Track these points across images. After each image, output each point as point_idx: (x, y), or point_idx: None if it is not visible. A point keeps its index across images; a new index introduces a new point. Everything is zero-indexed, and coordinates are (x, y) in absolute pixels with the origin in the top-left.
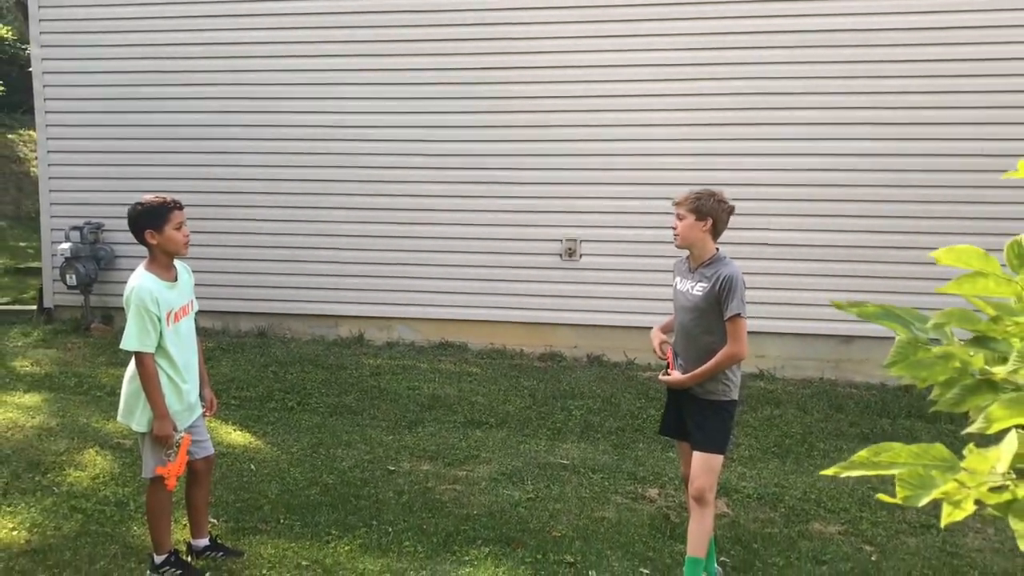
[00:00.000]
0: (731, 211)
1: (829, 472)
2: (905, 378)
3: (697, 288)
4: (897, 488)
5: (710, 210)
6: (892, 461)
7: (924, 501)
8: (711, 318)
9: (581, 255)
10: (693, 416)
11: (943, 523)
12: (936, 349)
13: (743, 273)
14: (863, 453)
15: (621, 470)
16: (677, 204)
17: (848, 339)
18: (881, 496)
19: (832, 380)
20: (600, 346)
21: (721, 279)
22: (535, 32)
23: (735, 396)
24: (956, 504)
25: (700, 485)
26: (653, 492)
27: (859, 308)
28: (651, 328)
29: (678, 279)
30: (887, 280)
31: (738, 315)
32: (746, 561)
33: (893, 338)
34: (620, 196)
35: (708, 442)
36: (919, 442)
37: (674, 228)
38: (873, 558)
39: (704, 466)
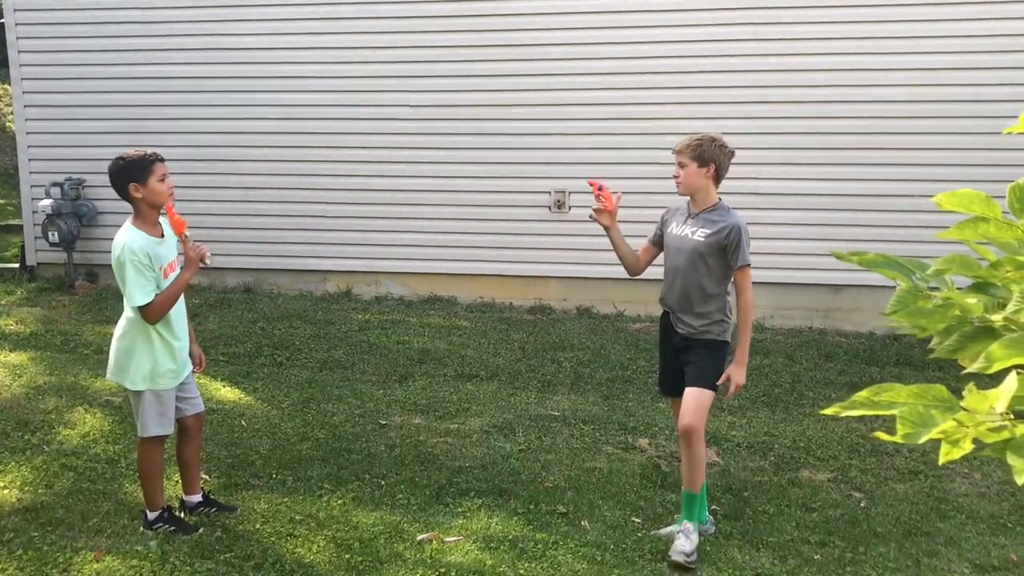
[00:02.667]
0: (732, 155)
1: (829, 412)
2: (903, 327)
3: (699, 233)
4: (898, 425)
5: (712, 155)
6: (892, 401)
7: (924, 439)
8: (711, 264)
9: (570, 207)
10: (688, 356)
11: (941, 461)
12: (936, 296)
13: None
14: (864, 393)
15: (611, 420)
16: (678, 152)
17: (837, 288)
18: (879, 434)
19: (821, 329)
20: (589, 298)
21: (729, 229)
22: None
23: (728, 339)
24: (955, 443)
25: (689, 422)
26: (643, 442)
27: (860, 257)
28: (639, 281)
29: (673, 225)
30: (876, 228)
31: (747, 265)
32: (737, 509)
33: (883, 286)
34: (609, 147)
35: (700, 377)
36: None
37: (676, 176)
38: (862, 504)
39: (694, 402)
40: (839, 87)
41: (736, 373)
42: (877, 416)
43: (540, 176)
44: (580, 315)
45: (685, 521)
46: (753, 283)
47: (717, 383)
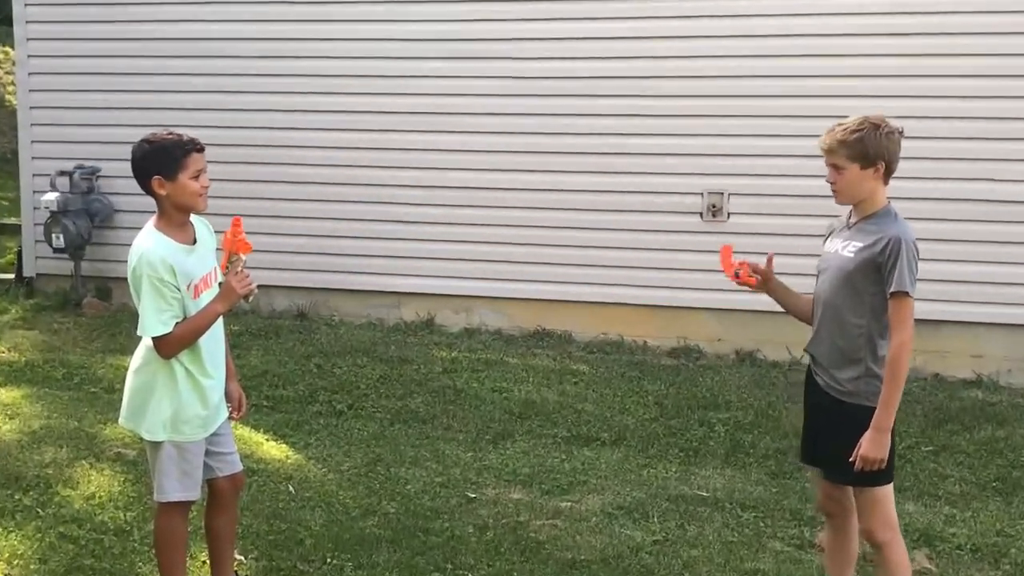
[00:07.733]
0: (902, 136)
1: None
2: None
3: (850, 247)
4: None
5: (879, 150)
6: None
7: None
8: (860, 289)
9: (728, 214)
10: (830, 428)
11: None
12: None
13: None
14: None
15: (781, 507)
16: (828, 151)
17: None
18: None
19: None
20: (753, 338)
21: (887, 240)
22: None
23: None
24: None
25: (866, 527)
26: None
27: None
28: None
29: (830, 240)
30: None
31: (905, 293)
32: None
33: None
34: (779, 133)
35: (860, 475)
36: None
37: (832, 183)
38: None
39: (864, 507)
40: None
41: (869, 444)
42: None
43: (688, 172)
44: (740, 361)
45: None
46: (981, 324)
47: (882, 467)
